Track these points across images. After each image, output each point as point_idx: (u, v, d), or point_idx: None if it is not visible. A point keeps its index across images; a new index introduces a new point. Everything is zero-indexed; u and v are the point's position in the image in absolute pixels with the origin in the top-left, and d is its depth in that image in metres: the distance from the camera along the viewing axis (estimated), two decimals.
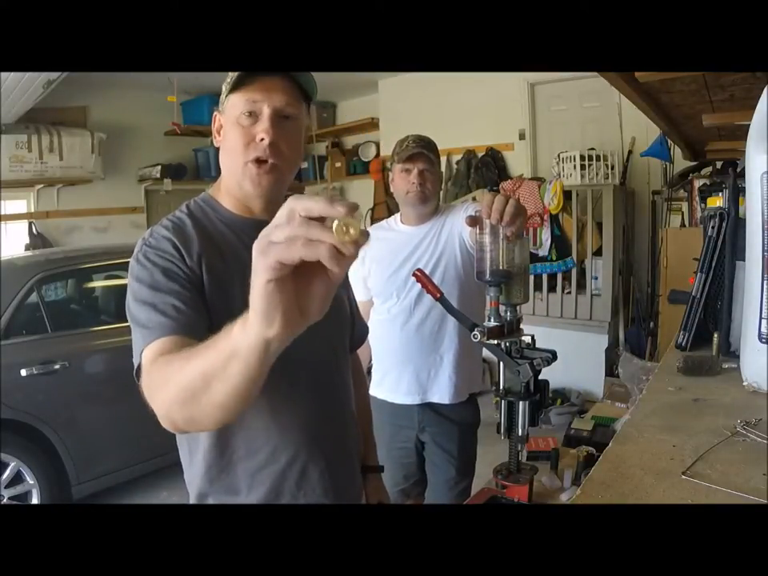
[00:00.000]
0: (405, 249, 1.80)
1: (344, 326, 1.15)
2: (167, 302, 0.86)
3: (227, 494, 0.99)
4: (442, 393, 1.80)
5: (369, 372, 1.93)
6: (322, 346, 1.03)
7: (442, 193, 5.08)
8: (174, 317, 0.84)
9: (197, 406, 0.68)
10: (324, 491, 1.02)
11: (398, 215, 1.91)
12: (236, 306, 0.88)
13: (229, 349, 0.61)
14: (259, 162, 0.95)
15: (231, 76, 0.96)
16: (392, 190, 1.86)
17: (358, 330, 1.27)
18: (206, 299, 0.91)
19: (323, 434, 1.03)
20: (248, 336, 0.58)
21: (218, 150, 1.02)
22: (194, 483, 1.01)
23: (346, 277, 1.21)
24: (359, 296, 1.90)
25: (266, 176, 0.96)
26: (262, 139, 0.94)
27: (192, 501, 1.02)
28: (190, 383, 0.67)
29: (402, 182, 1.77)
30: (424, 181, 1.75)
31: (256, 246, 0.54)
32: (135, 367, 0.85)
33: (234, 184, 1.00)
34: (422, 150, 1.74)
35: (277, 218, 0.53)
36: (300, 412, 1.01)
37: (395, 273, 1.80)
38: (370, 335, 1.89)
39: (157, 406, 0.74)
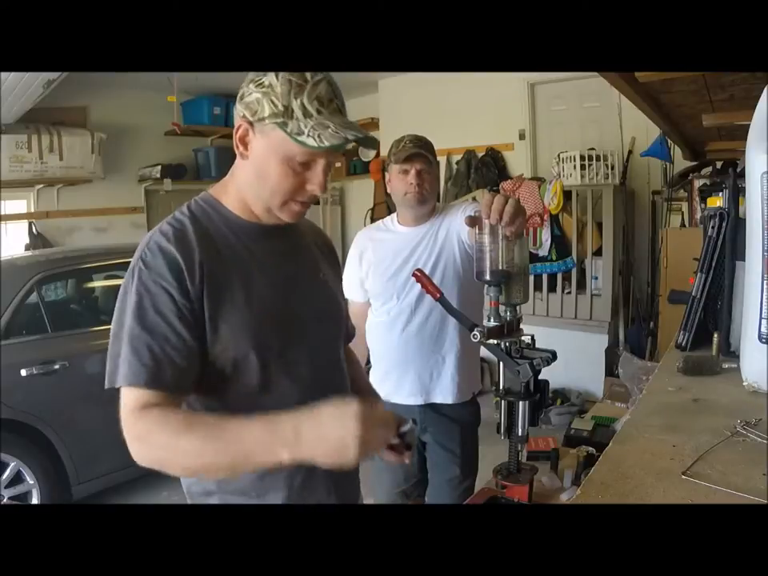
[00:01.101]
0: (404, 250, 1.79)
1: (341, 326, 1.16)
2: (148, 347, 0.86)
3: (234, 494, 0.98)
4: (445, 393, 1.80)
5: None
6: (325, 348, 1.06)
7: (441, 193, 5.08)
8: (153, 371, 0.85)
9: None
10: (327, 491, 1.03)
11: (394, 215, 1.90)
12: (237, 308, 0.93)
13: (248, 464, 0.81)
14: (302, 203, 0.96)
15: (283, 104, 0.87)
16: (389, 190, 1.84)
17: (350, 329, 1.27)
18: (201, 324, 0.90)
19: None
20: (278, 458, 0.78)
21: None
22: (196, 482, 1.01)
23: (339, 277, 1.22)
24: (356, 297, 1.89)
25: (302, 212, 0.98)
26: (313, 190, 0.93)
27: (191, 496, 1.02)
28: (196, 468, 0.84)
29: (400, 183, 1.76)
30: (422, 181, 1.73)
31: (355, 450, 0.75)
32: (108, 386, 0.90)
33: (260, 206, 0.97)
34: (419, 151, 1.73)
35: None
36: None
37: (395, 275, 1.79)
38: (368, 337, 1.89)
39: (140, 457, 0.84)
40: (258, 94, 0.88)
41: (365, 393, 1.24)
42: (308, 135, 0.86)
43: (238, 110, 0.92)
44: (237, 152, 0.94)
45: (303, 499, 1.00)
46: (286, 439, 0.76)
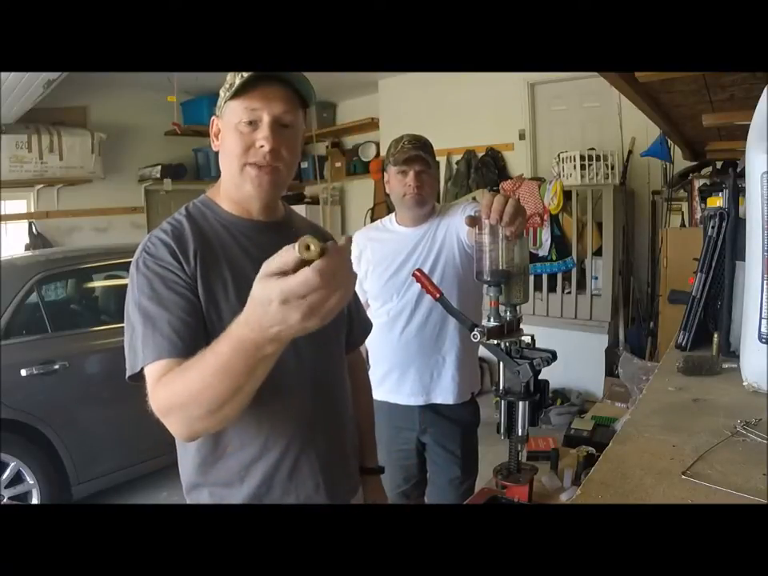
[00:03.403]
0: (403, 250, 1.79)
1: (339, 324, 1.15)
2: (166, 320, 0.89)
3: (220, 485, 1.00)
4: (445, 394, 1.80)
5: None
6: (315, 343, 1.03)
7: (441, 193, 5.09)
8: (174, 340, 0.88)
9: (219, 415, 0.79)
10: (315, 486, 1.04)
11: (392, 215, 1.89)
12: (226, 298, 0.96)
13: (252, 362, 0.71)
14: (259, 165, 0.97)
15: (229, 82, 0.98)
16: (387, 191, 1.83)
17: (357, 328, 1.27)
18: (200, 301, 0.94)
19: (317, 429, 1.05)
20: (268, 350, 0.70)
21: (216, 152, 1.04)
22: (187, 473, 1.03)
23: None
24: None
25: (266, 177, 0.98)
26: (262, 146, 0.96)
27: (184, 491, 1.04)
28: (219, 396, 0.76)
29: (399, 185, 1.75)
30: (421, 183, 1.73)
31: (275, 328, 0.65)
32: (131, 373, 0.90)
33: (233, 187, 1.01)
34: (418, 153, 1.72)
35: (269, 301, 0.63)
36: (292, 406, 1.02)
37: (394, 275, 1.79)
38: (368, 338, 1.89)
39: (175, 421, 0.82)
40: (221, 91, 1.00)
41: (364, 454, 1.27)
42: (235, 85, 0.95)
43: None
44: (213, 147, 1.04)
45: (289, 492, 1.02)
46: (243, 337, 0.70)
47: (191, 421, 0.81)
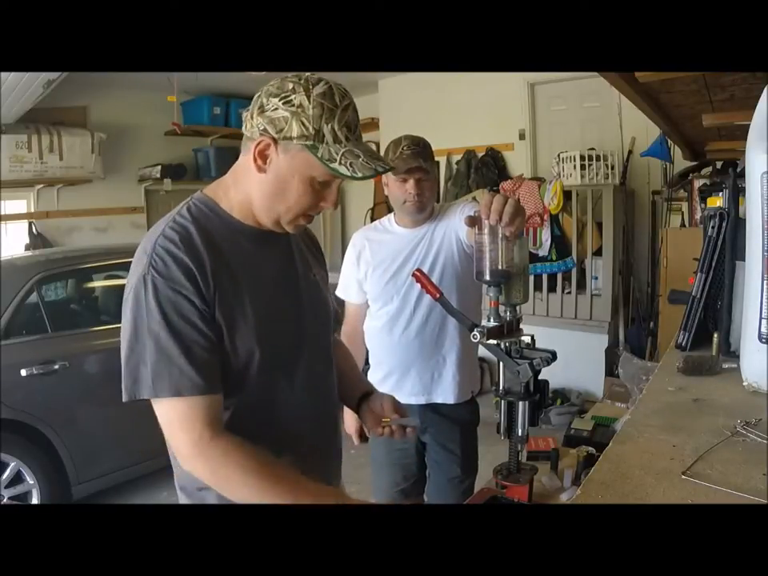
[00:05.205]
0: (403, 251, 1.78)
1: (331, 323, 1.18)
2: (183, 355, 0.87)
3: None
4: (446, 393, 1.80)
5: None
6: (319, 346, 1.08)
7: (441, 193, 5.08)
8: (193, 377, 0.87)
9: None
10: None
11: (391, 216, 1.88)
12: (245, 311, 0.95)
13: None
14: (310, 216, 0.99)
15: (312, 127, 0.87)
16: (386, 194, 1.83)
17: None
18: (216, 321, 0.91)
19: (319, 432, 1.07)
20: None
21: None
22: (189, 477, 1.01)
23: (326, 273, 1.22)
24: (354, 299, 1.89)
25: (307, 224, 1.01)
26: (326, 206, 0.97)
27: (188, 491, 1.02)
28: (259, 498, 0.87)
29: (399, 192, 1.74)
30: (421, 191, 1.72)
31: None
32: (132, 399, 0.90)
33: (270, 218, 0.98)
34: (418, 162, 1.70)
35: None
36: (300, 411, 1.03)
37: (394, 276, 1.78)
38: (367, 339, 1.89)
39: (201, 475, 0.90)
40: (286, 112, 0.87)
41: (359, 385, 1.27)
42: (340, 163, 0.88)
43: (258, 122, 0.90)
44: (254, 165, 0.92)
45: None
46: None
47: (214, 487, 0.90)
